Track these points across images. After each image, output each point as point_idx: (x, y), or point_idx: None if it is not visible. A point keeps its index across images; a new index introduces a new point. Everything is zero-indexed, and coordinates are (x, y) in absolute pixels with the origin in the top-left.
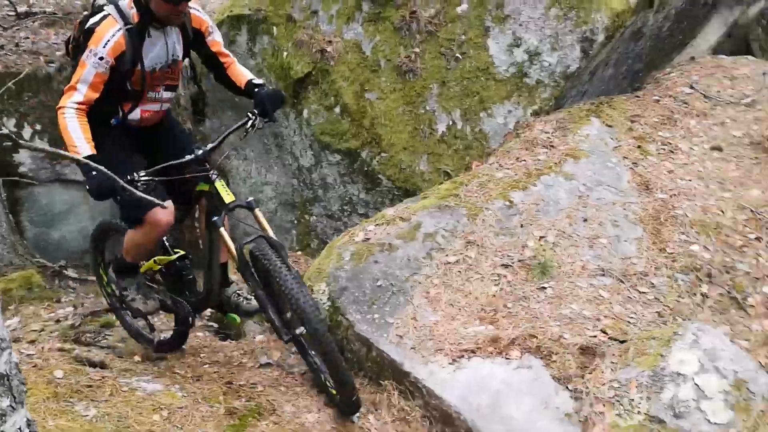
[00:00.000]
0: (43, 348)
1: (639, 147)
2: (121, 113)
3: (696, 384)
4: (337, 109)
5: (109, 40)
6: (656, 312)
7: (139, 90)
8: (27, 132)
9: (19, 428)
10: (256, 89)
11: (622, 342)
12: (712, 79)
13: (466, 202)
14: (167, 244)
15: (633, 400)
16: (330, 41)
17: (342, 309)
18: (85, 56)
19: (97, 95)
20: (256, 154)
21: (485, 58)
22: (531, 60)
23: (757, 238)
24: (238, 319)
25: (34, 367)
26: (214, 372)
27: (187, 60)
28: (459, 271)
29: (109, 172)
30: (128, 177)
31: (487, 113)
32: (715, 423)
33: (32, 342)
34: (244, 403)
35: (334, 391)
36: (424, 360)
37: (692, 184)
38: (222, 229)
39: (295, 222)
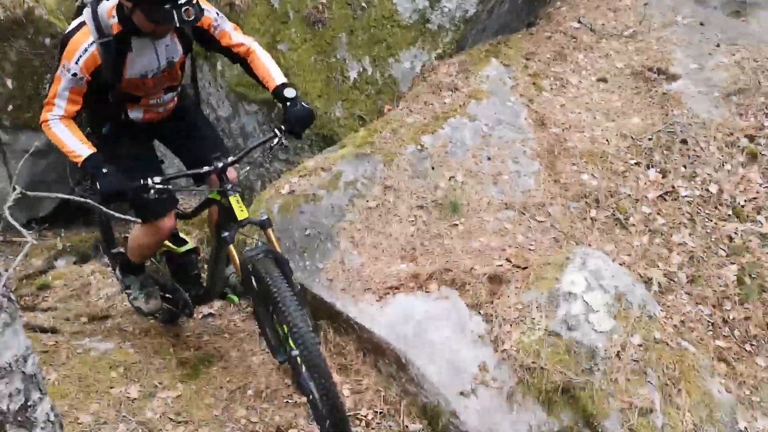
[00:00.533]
0: None
1: (534, 84)
2: (123, 115)
3: (585, 300)
4: None
5: (81, 56)
6: (553, 238)
7: (127, 96)
8: None
9: (47, 414)
10: (288, 103)
11: (524, 269)
12: (597, 12)
13: (381, 149)
14: (179, 233)
15: (534, 318)
16: None
17: None
18: (59, 71)
19: (78, 107)
20: None
21: (389, 6)
22: (432, 6)
23: (637, 164)
24: (237, 299)
25: None
26: (160, 326)
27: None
28: (379, 215)
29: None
30: (141, 181)
31: (394, 59)
32: (601, 331)
33: None
34: (194, 353)
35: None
36: (354, 300)
37: (582, 117)
38: (231, 246)
39: None
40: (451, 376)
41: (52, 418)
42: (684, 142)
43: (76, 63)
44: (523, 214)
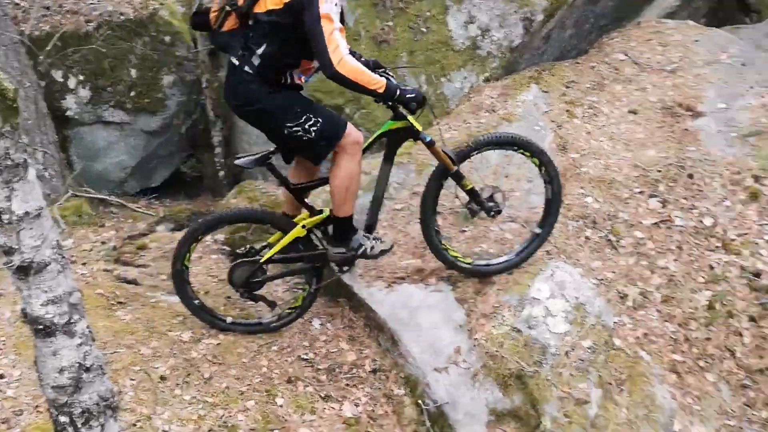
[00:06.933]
0: (92, 269)
1: (567, 111)
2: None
3: (546, 306)
4: None
5: None
6: (546, 251)
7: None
8: (72, 81)
9: (83, 329)
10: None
11: (510, 274)
12: (647, 45)
13: (416, 159)
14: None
15: (504, 316)
16: None
17: None
18: (324, 7)
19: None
20: None
21: (445, 32)
22: (483, 35)
23: (641, 192)
24: None
25: (86, 284)
26: (217, 287)
27: None
28: (403, 216)
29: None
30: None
31: (447, 78)
32: (555, 332)
33: (84, 264)
34: (237, 312)
35: None
36: (368, 284)
37: (603, 145)
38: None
39: None
40: (430, 355)
41: (86, 332)
42: (690, 176)
43: None
44: (525, 227)
